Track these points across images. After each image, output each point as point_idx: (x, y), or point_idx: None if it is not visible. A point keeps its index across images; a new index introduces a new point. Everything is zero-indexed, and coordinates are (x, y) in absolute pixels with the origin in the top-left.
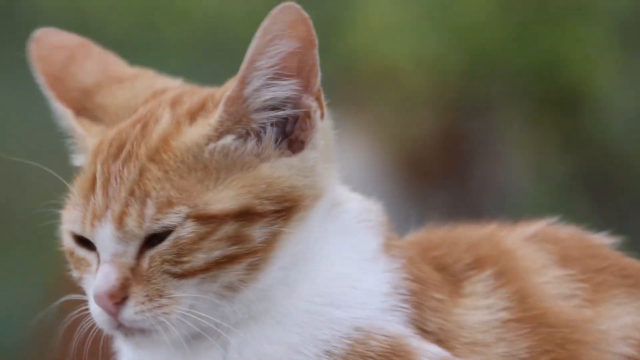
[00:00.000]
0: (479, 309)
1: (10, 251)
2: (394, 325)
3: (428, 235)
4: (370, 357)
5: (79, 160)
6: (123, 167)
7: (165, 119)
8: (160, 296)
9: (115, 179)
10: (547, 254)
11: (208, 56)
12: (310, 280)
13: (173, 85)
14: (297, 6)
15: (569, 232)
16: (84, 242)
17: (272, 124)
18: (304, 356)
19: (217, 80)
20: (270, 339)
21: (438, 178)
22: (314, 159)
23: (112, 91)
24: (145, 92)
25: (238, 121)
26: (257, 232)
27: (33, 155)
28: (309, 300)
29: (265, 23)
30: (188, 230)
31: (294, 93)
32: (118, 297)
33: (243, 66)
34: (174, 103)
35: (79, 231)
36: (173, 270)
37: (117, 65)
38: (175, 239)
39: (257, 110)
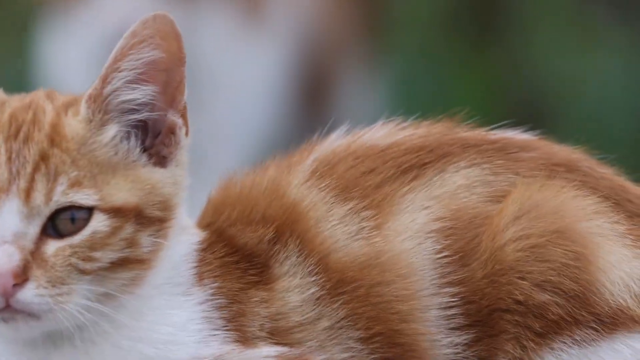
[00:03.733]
0: (292, 290)
1: None
2: (209, 351)
3: (220, 201)
4: None
5: None
6: (23, 147)
7: (49, 109)
8: (62, 284)
9: (18, 157)
10: (328, 192)
11: None
12: (135, 316)
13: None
14: (172, 18)
15: (342, 149)
16: None
17: (135, 132)
18: None
19: None
20: None
21: None
22: (181, 175)
23: None
24: None
25: (104, 119)
26: (145, 240)
27: None
28: (121, 333)
29: (135, 26)
30: (106, 223)
31: (154, 101)
32: (20, 278)
33: (106, 64)
34: (49, 97)
35: None
36: (81, 266)
37: None
38: (91, 233)
39: (118, 111)
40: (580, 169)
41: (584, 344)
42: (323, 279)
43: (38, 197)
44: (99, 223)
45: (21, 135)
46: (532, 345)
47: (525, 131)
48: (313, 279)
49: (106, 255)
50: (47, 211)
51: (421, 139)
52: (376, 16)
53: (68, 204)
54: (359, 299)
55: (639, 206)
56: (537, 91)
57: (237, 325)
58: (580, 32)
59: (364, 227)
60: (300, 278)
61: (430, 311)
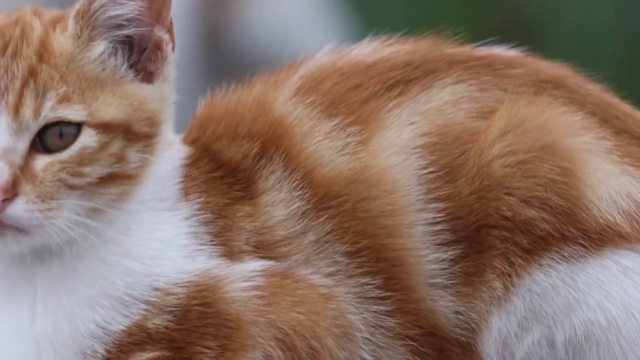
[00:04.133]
0: (277, 204)
1: None
2: (196, 266)
3: (206, 117)
4: (173, 312)
5: None
6: (11, 62)
7: (37, 25)
8: (52, 199)
9: (6, 73)
10: (314, 108)
11: None
12: (122, 231)
13: None
14: None
15: (328, 65)
16: None
17: (122, 48)
18: (97, 314)
19: None
20: (68, 287)
21: None
22: (168, 91)
23: None
24: None
25: (92, 35)
26: (133, 156)
27: None
28: (108, 248)
29: None
30: (95, 139)
31: (140, 16)
32: (10, 193)
33: None
34: (36, 13)
35: None
36: (70, 181)
37: None
38: (80, 148)
39: (105, 26)
40: (568, 85)
41: (572, 260)
42: (308, 194)
43: (27, 112)
44: (88, 138)
45: (9, 51)
46: (520, 261)
47: (512, 48)
48: (298, 193)
49: (95, 171)
50: (35, 127)
51: (407, 55)
52: None
53: (57, 119)
54: (345, 214)
55: (626, 123)
56: (524, 8)
57: (223, 239)
58: None
59: (349, 143)
60: (286, 192)
61: (416, 227)
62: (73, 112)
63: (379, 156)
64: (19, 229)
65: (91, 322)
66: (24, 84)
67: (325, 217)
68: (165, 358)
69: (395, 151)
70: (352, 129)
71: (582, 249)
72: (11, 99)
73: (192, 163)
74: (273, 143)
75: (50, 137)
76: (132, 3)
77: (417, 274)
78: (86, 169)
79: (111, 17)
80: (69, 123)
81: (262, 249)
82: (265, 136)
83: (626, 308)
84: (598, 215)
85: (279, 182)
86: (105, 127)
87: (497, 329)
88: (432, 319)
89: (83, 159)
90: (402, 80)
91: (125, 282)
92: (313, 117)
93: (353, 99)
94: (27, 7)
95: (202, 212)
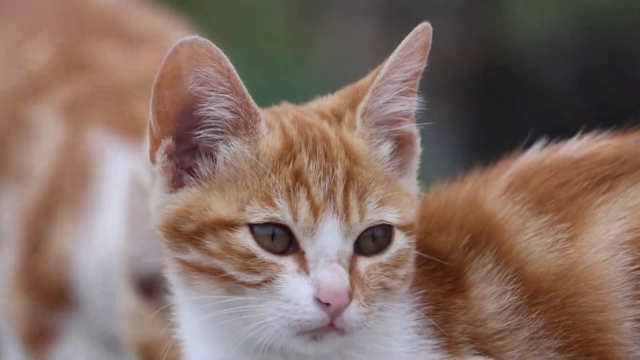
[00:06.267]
0: (488, 297)
1: None
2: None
3: (419, 214)
4: None
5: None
6: (327, 165)
7: (325, 125)
8: (373, 303)
9: (326, 175)
10: (523, 206)
11: None
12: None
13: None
14: (431, 29)
15: (537, 162)
16: (264, 244)
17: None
18: None
19: None
20: None
21: None
22: (416, 184)
23: None
24: None
25: (373, 132)
26: (412, 253)
27: None
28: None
29: (409, 38)
30: (405, 241)
31: (412, 111)
32: (351, 297)
33: (378, 77)
34: (301, 110)
35: (288, 221)
36: (388, 284)
37: None
38: (397, 251)
39: (386, 123)
40: None
41: None
42: (521, 289)
43: (355, 215)
44: (400, 241)
45: (320, 152)
46: None
47: None
48: (511, 287)
49: (402, 272)
50: (360, 229)
51: (615, 150)
52: None
53: (379, 223)
54: (555, 309)
55: None
56: None
57: (443, 331)
58: None
59: (558, 240)
60: (497, 286)
61: (625, 323)
62: (392, 215)
63: (587, 252)
64: (342, 332)
65: None
66: (347, 187)
67: (537, 312)
68: None
69: (604, 247)
70: (561, 225)
71: None
72: (339, 202)
73: None
74: (484, 237)
75: (364, 240)
76: (411, 99)
77: None
78: (399, 271)
79: (392, 114)
80: (381, 226)
81: (478, 341)
82: (475, 230)
83: None
84: None
85: (489, 275)
86: (408, 228)
87: None
88: None
89: (399, 262)
90: (610, 176)
91: None
92: (523, 214)
93: (561, 196)
94: (284, 104)
95: (424, 304)
